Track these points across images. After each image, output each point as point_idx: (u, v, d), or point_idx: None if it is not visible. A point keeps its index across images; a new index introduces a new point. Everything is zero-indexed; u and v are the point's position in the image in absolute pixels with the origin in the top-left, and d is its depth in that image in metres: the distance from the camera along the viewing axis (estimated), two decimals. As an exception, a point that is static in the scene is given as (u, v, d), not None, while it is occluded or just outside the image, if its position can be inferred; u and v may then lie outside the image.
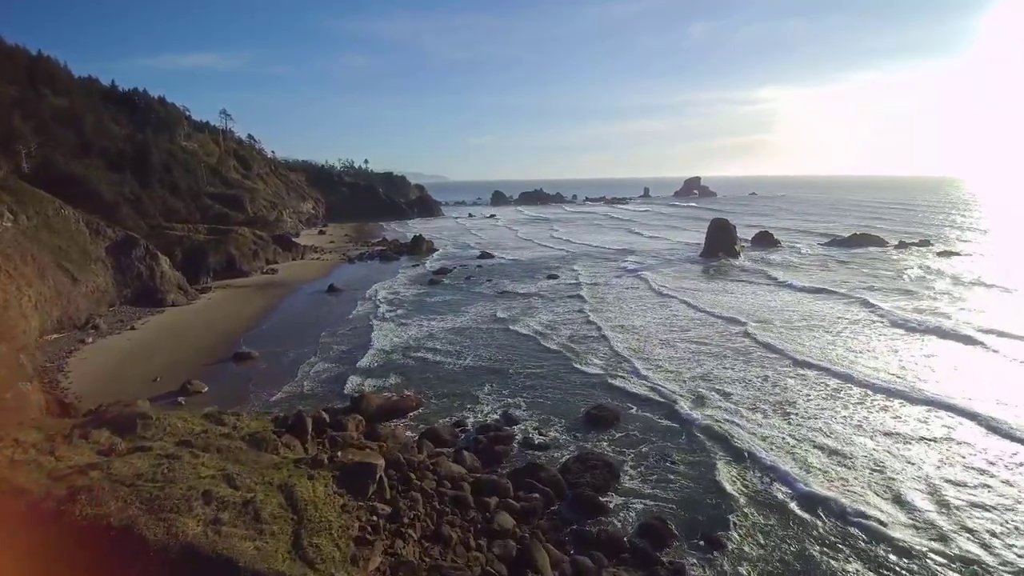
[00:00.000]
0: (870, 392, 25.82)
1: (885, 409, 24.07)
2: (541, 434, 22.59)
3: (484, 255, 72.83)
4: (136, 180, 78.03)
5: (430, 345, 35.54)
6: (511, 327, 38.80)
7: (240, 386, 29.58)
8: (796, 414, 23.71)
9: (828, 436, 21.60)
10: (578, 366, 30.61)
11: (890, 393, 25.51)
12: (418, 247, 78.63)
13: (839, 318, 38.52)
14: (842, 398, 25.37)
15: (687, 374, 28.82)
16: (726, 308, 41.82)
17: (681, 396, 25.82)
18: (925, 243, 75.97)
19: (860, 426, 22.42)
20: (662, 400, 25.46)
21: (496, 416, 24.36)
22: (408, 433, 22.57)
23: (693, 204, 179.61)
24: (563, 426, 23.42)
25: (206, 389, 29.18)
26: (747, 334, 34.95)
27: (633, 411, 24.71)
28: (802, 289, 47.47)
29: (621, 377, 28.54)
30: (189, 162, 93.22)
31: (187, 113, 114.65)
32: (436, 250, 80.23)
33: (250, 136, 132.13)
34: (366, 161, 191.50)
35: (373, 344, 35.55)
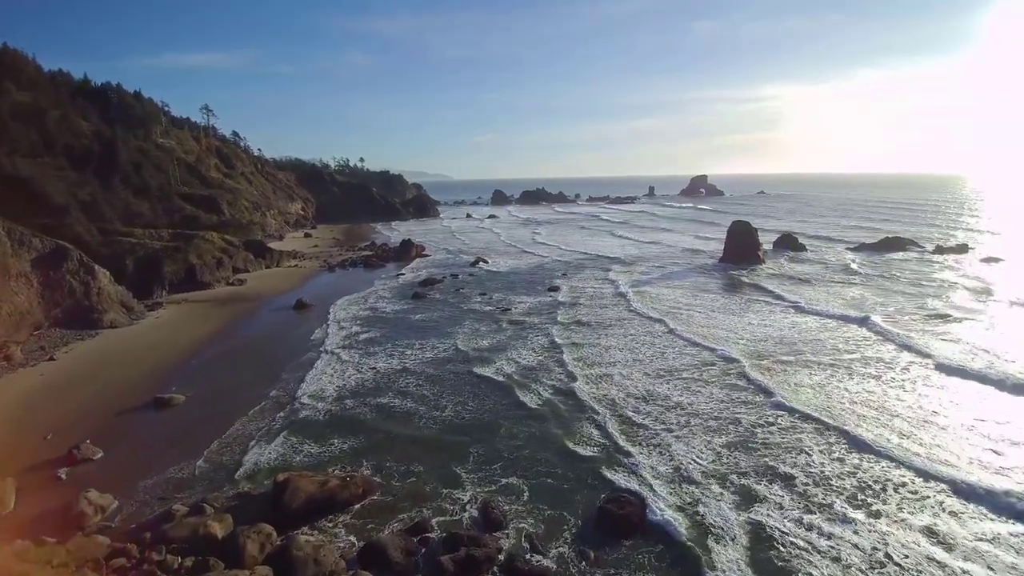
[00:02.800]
0: (974, 507, 17.33)
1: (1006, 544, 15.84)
2: (536, 548, 15.63)
3: (477, 262, 65.90)
4: (98, 180, 71.49)
5: (401, 386, 28.54)
6: (506, 368, 31.77)
7: (148, 449, 22.76)
8: (869, 534, 16.58)
9: None
10: (586, 430, 23.61)
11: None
12: (406, 253, 71.66)
13: (892, 360, 30.08)
14: (923, 510, 17.41)
15: (719, 445, 21.68)
16: (750, 351, 31.61)
17: (718, 489, 18.86)
18: (963, 248, 68.73)
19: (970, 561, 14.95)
20: (698, 497, 18.40)
21: (474, 512, 17.40)
22: (340, 546, 15.63)
23: (701, 204, 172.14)
24: (568, 532, 16.44)
25: (100, 455, 22.36)
26: (783, 406, 24.46)
27: (662, 493, 17.84)
28: (843, 318, 37.91)
29: (634, 456, 21.30)
30: (162, 160, 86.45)
31: (166, 109, 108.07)
32: (426, 256, 73.22)
33: (235, 133, 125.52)
34: (361, 159, 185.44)
35: (328, 385, 28.59)
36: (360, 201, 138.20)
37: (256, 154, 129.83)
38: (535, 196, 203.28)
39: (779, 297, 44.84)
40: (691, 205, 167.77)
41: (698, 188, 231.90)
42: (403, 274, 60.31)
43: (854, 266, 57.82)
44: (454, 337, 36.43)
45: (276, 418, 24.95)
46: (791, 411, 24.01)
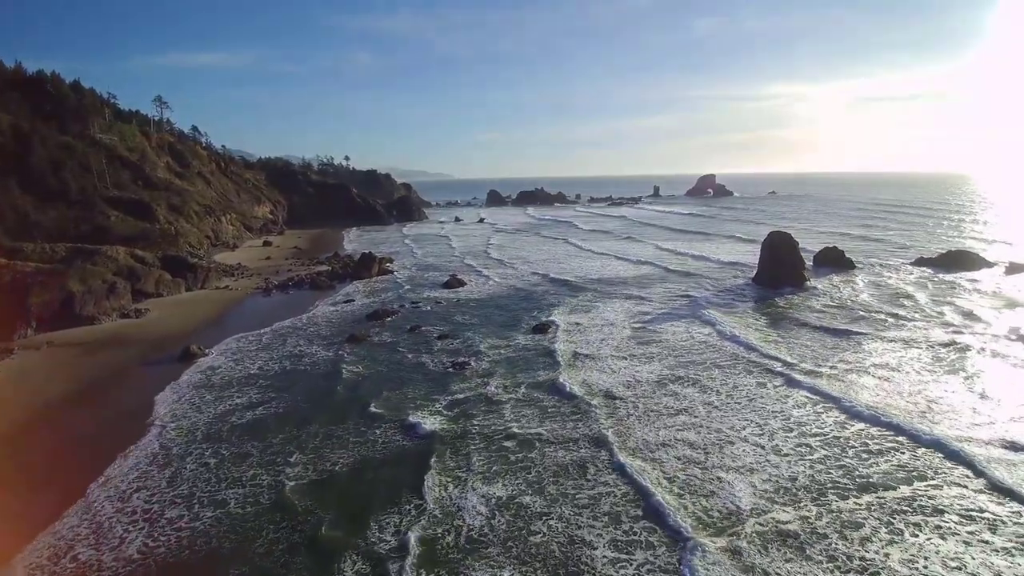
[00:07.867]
0: None
1: None
2: None
3: (451, 282, 53.70)
4: (-4, 182, 59.51)
5: (255, 553, 16.41)
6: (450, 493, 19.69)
7: None
8: None
9: None
10: None
11: None
12: (366, 268, 59.47)
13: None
14: None
15: None
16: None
17: None
18: (1038, 265, 56.49)
19: None
20: None
21: None
22: None
23: (711, 207, 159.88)
24: None
25: None
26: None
27: None
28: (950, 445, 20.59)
29: None
30: (92, 159, 74.30)
31: (112, 100, 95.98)
32: (390, 272, 61.02)
33: (194, 128, 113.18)
34: (347, 158, 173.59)
35: (123, 549, 16.46)
36: (338, 203, 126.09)
37: (220, 151, 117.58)
38: (533, 196, 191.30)
39: (835, 399, 27.79)
40: (713, 206, 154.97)
41: (705, 188, 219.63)
42: (352, 299, 48.13)
43: (924, 298, 44.59)
44: (377, 424, 24.26)
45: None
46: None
